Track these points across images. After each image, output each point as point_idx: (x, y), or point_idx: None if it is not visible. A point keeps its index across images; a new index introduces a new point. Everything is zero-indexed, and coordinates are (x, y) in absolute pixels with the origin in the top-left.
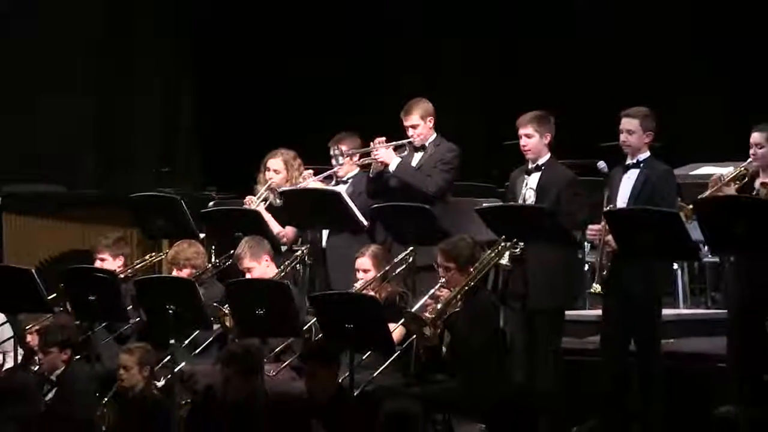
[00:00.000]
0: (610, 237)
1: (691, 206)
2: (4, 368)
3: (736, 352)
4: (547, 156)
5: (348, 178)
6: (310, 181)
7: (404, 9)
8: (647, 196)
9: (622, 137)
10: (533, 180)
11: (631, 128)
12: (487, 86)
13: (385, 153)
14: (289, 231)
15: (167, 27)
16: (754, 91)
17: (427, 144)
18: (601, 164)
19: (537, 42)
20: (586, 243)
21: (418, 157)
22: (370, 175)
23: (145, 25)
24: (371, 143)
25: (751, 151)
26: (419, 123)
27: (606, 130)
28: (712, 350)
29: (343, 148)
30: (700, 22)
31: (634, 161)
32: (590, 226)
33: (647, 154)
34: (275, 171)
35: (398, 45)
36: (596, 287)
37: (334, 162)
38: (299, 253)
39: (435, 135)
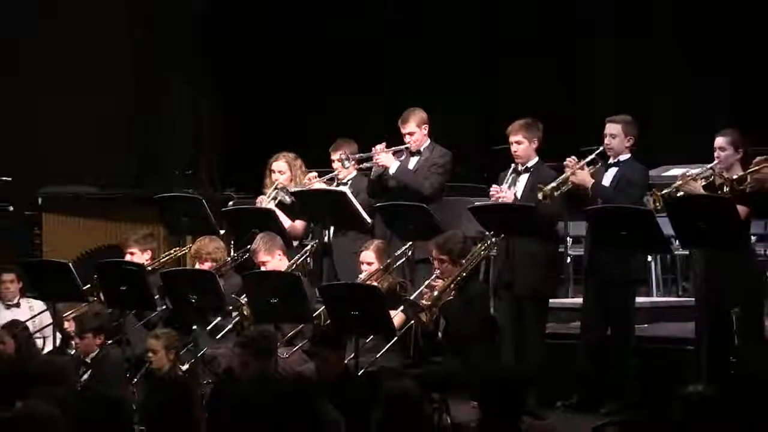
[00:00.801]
0: None
1: (660, 192)
2: (44, 351)
3: (703, 336)
4: (536, 159)
5: (347, 180)
6: (315, 183)
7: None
8: (621, 188)
9: (606, 140)
10: (522, 180)
11: (614, 132)
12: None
13: (385, 157)
14: (299, 226)
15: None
16: (720, 101)
17: (422, 149)
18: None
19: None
20: (568, 238)
21: (414, 161)
22: (372, 177)
23: (178, 44)
24: (372, 149)
25: (716, 154)
26: (415, 130)
27: (584, 136)
28: (682, 334)
29: (349, 153)
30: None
31: (615, 161)
32: None
33: (628, 155)
34: (280, 172)
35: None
36: None
37: (338, 165)
38: (309, 247)
39: (429, 141)
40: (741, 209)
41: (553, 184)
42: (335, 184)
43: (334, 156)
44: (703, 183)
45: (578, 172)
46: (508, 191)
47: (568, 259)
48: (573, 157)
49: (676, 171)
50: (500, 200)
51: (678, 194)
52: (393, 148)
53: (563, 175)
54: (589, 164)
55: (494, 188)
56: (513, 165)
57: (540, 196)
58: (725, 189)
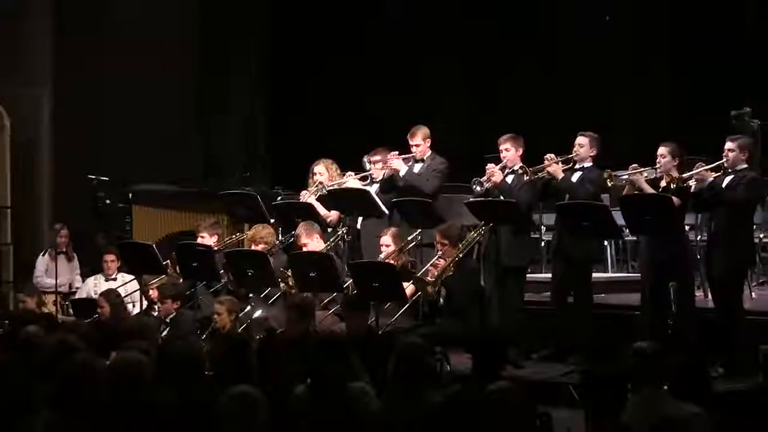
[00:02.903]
0: None
1: (613, 173)
2: (133, 313)
3: (647, 303)
4: (519, 164)
5: (379, 180)
6: (351, 180)
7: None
8: (582, 184)
9: (575, 148)
10: (509, 179)
11: (582, 143)
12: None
13: (398, 163)
14: (334, 216)
15: (251, 64)
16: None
17: (425, 157)
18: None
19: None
20: (542, 226)
21: (418, 166)
22: (384, 178)
23: (236, 63)
24: (388, 155)
25: (657, 160)
26: (420, 143)
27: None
28: (630, 302)
29: (373, 158)
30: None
31: (580, 167)
32: None
33: (590, 164)
34: (320, 174)
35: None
36: None
37: (366, 167)
38: (340, 233)
39: (430, 151)
40: (675, 200)
41: (536, 167)
42: (368, 182)
43: (370, 158)
44: (646, 178)
45: (554, 165)
46: (498, 172)
47: (542, 243)
48: (552, 154)
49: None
50: (491, 176)
51: (623, 178)
52: (403, 156)
53: (543, 164)
54: (565, 163)
55: (490, 166)
56: (500, 166)
57: (525, 177)
58: (672, 186)
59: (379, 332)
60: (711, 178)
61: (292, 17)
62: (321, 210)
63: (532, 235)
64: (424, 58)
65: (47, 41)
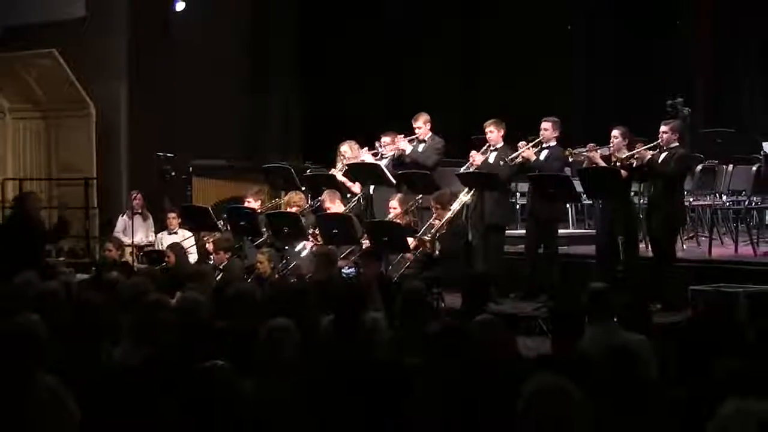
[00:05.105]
0: None
1: (574, 150)
2: (193, 262)
3: (601, 254)
4: (501, 143)
5: (388, 156)
6: (366, 156)
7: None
8: (549, 162)
9: (542, 132)
10: (492, 156)
11: (547, 127)
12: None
13: (404, 144)
14: (357, 188)
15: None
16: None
17: (426, 138)
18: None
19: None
20: (518, 193)
21: (421, 146)
22: (394, 156)
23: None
24: (397, 137)
25: (611, 140)
26: (422, 126)
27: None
28: (587, 253)
29: (383, 140)
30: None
31: (547, 146)
32: None
33: (554, 143)
34: (345, 152)
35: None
36: None
37: (379, 146)
38: (357, 197)
39: (431, 133)
40: (623, 173)
41: (513, 155)
42: (379, 157)
43: (383, 139)
44: (601, 156)
45: (527, 151)
46: (478, 156)
47: (518, 206)
48: (524, 141)
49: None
50: (473, 162)
51: (583, 154)
52: (409, 137)
53: (519, 152)
54: (534, 146)
55: (472, 154)
56: (486, 146)
57: (501, 162)
58: (617, 163)
59: (389, 277)
60: (650, 156)
61: (320, 19)
62: (348, 183)
63: (510, 200)
64: (424, 57)
65: (124, 44)
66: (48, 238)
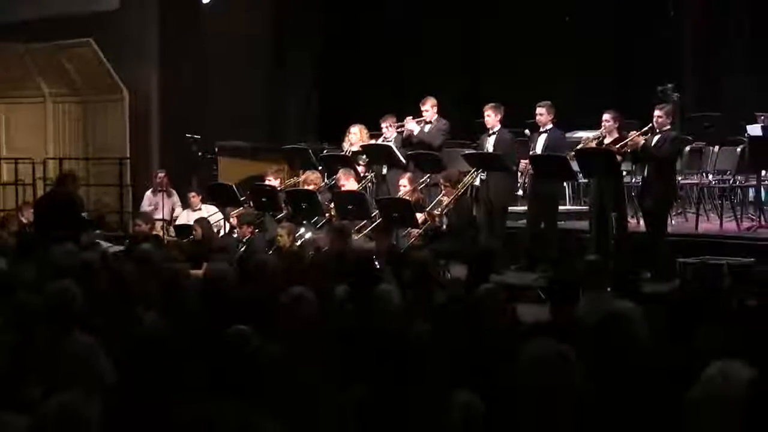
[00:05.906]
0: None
1: (573, 153)
2: (218, 235)
3: (594, 228)
4: (499, 126)
5: (391, 138)
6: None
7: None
8: (551, 146)
9: (537, 117)
10: (491, 139)
11: (542, 112)
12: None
13: (412, 125)
14: (365, 164)
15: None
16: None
17: (433, 120)
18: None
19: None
20: (519, 173)
21: (428, 127)
22: (403, 137)
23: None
24: (405, 119)
25: (603, 124)
26: (429, 109)
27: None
28: (583, 227)
29: (390, 122)
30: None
31: (544, 130)
32: (522, 161)
33: (551, 126)
34: (354, 134)
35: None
36: None
37: (385, 129)
38: (369, 176)
39: (437, 116)
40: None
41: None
42: (382, 139)
43: (384, 124)
44: (595, 142)
45: (411, 124)
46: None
47: (519, 185)
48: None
49: (580, 134)
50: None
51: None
52: (416, 119)
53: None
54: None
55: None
56: (488, 129)
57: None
58: (613, 145)
59: (399, 249)
60: (643, 141)
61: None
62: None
63: (515, 181)
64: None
65: (155, 33)
66: (86, 225)
